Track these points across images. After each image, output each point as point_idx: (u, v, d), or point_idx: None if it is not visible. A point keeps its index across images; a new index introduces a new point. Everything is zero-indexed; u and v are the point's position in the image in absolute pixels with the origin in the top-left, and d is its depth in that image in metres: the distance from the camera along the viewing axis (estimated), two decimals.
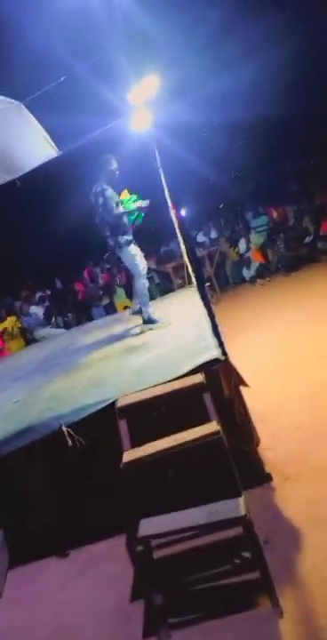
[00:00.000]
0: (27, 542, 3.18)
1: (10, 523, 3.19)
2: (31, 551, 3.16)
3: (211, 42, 9.59)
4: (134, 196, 4.60)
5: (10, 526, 3.18)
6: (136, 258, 4.56)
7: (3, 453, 2.96)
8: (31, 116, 4.21)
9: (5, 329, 8.41)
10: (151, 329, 4.47)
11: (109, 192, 4.39)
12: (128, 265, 4.68)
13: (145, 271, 4.66)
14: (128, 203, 4.53)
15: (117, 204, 4.41)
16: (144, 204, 4.53)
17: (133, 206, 4.49)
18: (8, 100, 3.89)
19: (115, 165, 4.50)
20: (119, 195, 4.51)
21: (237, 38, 9.70)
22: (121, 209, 4.43)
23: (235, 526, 2.24)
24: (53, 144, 4.74)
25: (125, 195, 4.57)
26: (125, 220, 4.47)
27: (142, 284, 4.60)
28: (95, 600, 2.64)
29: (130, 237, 4.51)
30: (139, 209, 4.51)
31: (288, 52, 10.13)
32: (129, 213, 4.49)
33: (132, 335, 4.58)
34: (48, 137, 4.61)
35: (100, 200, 4.38)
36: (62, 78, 3.49)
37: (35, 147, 4.69)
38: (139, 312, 4.72)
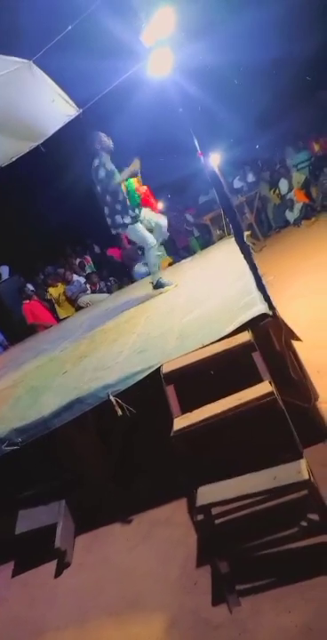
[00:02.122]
0: (90, 509, 3.25)
1: (72, 492, 3.25)
2: (95, 518, 3.21)
3: None
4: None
5: (72, 495, 3.25)
6: (143, 233, 4.59)
7: (55, 426, 2.97)
8: (43, 73, 3.96)
9: (52, 297, 8.57)
10: (161, 292, 4.72)
11: (109, 165, 4.37)
12: (137, 242, 4.78)
13: (154, 242, 4.67)
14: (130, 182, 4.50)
15: (115, 177, 4.40)
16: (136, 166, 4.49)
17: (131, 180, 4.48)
18: (16, 59, 3.65)
19: (104, 140, 4.44)
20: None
21: None
22: (118, 180, 4.42)
23: (299, 491, 2.10)
24: (71, 101, 4.51)
25: (134, 182, 4.53)
26: (124, 195, 4.45)
27: (153, 254, 4.68)
28: (161, 565, 2.64)
29: (132, 215, 4.49)
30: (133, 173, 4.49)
31: None
32: (129, 194, 4.49)
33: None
34: (64, 94, 4.38)
35: (101, 173, 4.36)
36: (70, 27, 3.21)
37: (52, 108, 4.48)
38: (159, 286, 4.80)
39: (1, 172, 5.64)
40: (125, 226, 4.50)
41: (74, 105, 4.69)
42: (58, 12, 3.20)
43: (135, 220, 4.52)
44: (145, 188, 4.63)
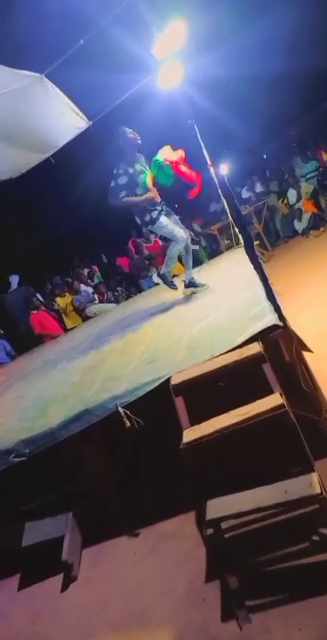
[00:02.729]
0: (95, 522, 3.21)
1: (78, 504, 3.23)
2: (101, 531, 3.18)
3: None
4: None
5: (79, 508, 3.22)
6: (168, 227, 4.40)
7: (62, 438, 2.95)
8: (54, 87, 4.01)
9: (59, 307, 8.59)
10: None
11: (121, 178, 4.19)
12: (166, 236, 4.59)
13: (183, 237, 4.46)
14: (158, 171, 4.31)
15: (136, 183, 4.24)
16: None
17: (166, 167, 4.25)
18: (28, 73, 3.70)
19: (130, 136, 4.24)
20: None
21: None
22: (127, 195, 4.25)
23: (310, 505, 2.07)
24: (81, 114, 4.55)
25: (166, 152, 4.28)
26: (140, 198, 4.26)
27: (177, 249, 4.48)
28: (168, 580, 2.60)
29: (156, 211, 4.33)
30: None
31: None
32: (161, 177, 4.28)
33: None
34: (75, 107, 4.41)
35: (111, 184, 4.20)
36: (81, 41, 3.25)
37: (63, 120, 4.52)
38: (193, 284, 4.62)
39: (11, 183, 5.70)
40: (155, 220, 4.33)
41: (84, 117, 4.73)
42: (69, 26, 3.24)
43: (159, 213, 4.35)
44: (177, 154, 4.34)
